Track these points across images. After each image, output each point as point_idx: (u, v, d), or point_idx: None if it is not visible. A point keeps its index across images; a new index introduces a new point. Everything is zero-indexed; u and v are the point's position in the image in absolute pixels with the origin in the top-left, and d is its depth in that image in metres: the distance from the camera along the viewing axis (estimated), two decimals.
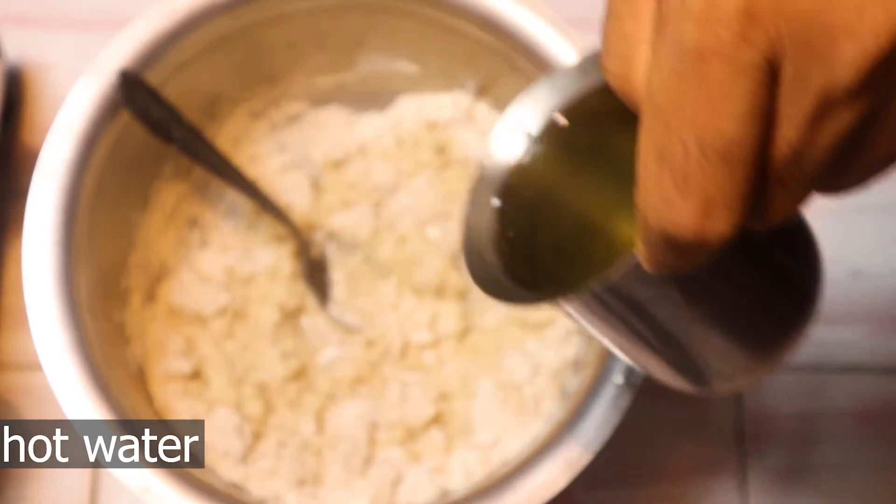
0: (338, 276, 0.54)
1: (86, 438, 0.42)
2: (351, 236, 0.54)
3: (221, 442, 0.48)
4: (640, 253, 0.25)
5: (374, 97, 0.55)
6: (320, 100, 0.55)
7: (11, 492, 0.51)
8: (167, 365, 0.49)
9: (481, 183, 0.34)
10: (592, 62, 0.32)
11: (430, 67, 0.54)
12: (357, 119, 0.56)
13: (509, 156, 0.33)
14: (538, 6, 0.48)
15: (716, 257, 0.24)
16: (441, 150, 0.55)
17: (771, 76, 0.22)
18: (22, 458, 0.51)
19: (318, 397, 0.51)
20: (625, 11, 0.24)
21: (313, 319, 0.53)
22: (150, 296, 0.51)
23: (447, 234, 0.54)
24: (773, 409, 0.54)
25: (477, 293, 0.54)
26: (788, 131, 0.22)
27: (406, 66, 0.54)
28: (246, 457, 0.49)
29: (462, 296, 0.53)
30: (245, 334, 0.52)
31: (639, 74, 0.24)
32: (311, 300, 0.53)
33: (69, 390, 0.42)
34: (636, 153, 0.24)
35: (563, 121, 0.32)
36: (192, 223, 0.53)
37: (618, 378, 0.43)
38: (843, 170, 0.24)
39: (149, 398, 0.49)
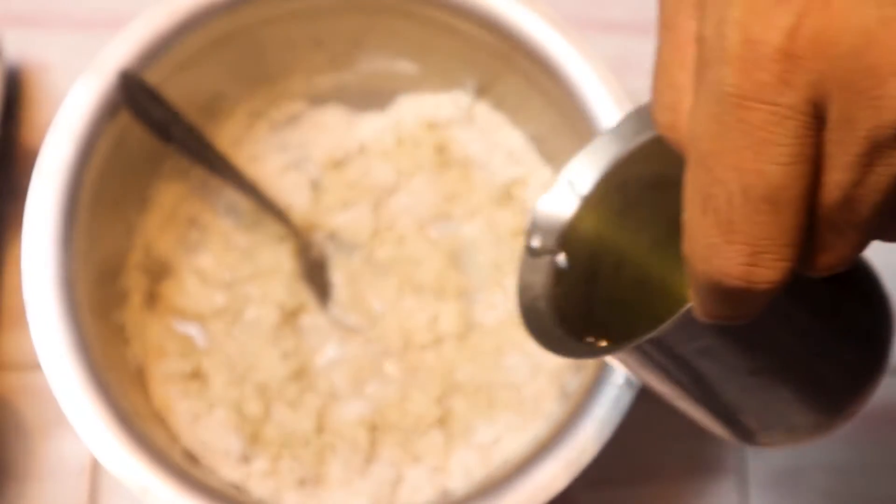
0: (338, 276, 0.54)
1: (85, 438, 0.42)
2: (351, 236, 0.54)
3: (221, 442, 0.48)
4: (693, 301, 0.25)
5: (373, 97, 0.55)
6: (320, 100, 0.55)
7: (11, 491, 0.51)
8: (167, 365, 0.49)
9: (535, 240, 0.35)
10: (644, 114, 0.32)
11: (430, 67, 0.54)
12: (357, 119, 0.56)
13: (563, 213, 0.34)
14: (538, 6, 0.48)
15: (769, 306, 0.24)
16: (441, 150, 0.55)
17: (816, 118, 0.21)
18: (21, 457, 0.51)
19: (319, 397, 0.51)
20: (671, 60, 0.24)
21: (313, 319, 0.53)
22: (150, 296, 0.51)
23: (447, 234, 0.54)
24: None
25: (477, 293, 0.54)
26: (837, 174, 0.22)
27: (406, 66, 0.54)
28: (246, 457, 0.49)
29: (462, 296, 0.53)
30: (245, 334, 0.52)
31: (687, 123, 0.24)
32: (311, 300, 0.53)
33: (69, 390, 0.42)
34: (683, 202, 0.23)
35: (615, 178, 0.33)
36: (192, 223, 0.53)
37: (618, 378, 0.43)
38: None
39: (148, 398, 0.49)
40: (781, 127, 0.21)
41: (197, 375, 0.50)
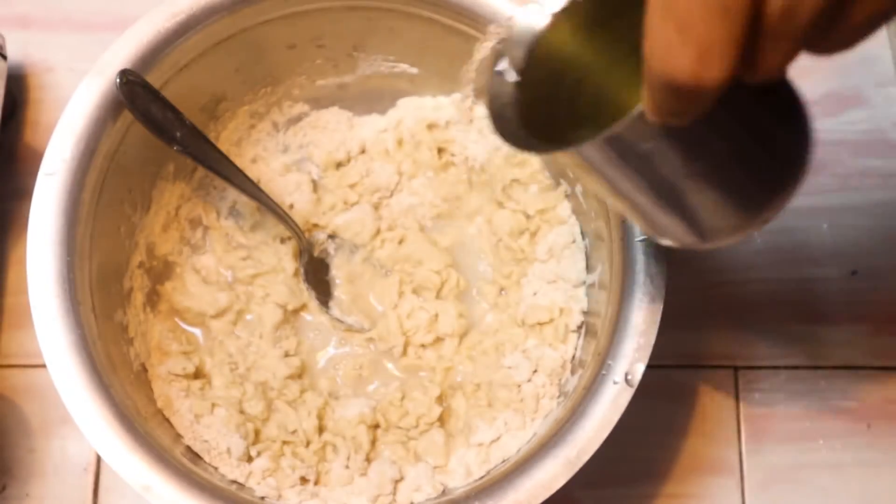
0: (339, 276, 0.54)
1: (88, 436, 0.42)
2: (352, 236, 0.54)
3: (223, 440, 0.48)
4: (645, 101, 0.28)
5: (374, 99, 0.56)
6: (322, 101, 0.56)
7: (14, 490, 0.51)
8: (169, 364, 0.50)
9: (504, 52, 0.38)
10: None
11: (430, 69, 0.54)
12: (358, 120, 0.56)
13: (531, 29, 0.38)
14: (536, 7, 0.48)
15: (710, 109, 0.28)
16: (441, 150, 0.55)
17: None
18: (25, 456, 0.51)
19: (320, 396, 0.51)
20: None
21: (315, 319, 0.53)
22: (153, 296, 0.52)
23: (447, 234, 0.55)
24: (772, 409, 0.54)
25: (477, 293, 0.54)
26: None
27: (406, 69, 0.54)
28: (248, 455, 0.49)
29: (462, 296, 0.53)
30: (247, 334, 0.52)
31: None
32: (312, 300, 0.53)
33: (72, 389, 0.42)
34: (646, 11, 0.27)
35: (583, 3, 0.37)
36: (195, 223, 0.54)
37: (617, 377, 0.43)
38: (830, 29, 0.27)
39: (151, 397, 0.49)
40: None
41: (199, 374, 0.51)
